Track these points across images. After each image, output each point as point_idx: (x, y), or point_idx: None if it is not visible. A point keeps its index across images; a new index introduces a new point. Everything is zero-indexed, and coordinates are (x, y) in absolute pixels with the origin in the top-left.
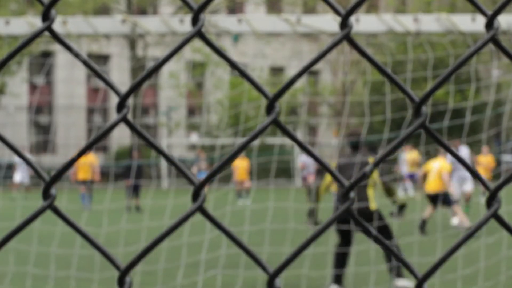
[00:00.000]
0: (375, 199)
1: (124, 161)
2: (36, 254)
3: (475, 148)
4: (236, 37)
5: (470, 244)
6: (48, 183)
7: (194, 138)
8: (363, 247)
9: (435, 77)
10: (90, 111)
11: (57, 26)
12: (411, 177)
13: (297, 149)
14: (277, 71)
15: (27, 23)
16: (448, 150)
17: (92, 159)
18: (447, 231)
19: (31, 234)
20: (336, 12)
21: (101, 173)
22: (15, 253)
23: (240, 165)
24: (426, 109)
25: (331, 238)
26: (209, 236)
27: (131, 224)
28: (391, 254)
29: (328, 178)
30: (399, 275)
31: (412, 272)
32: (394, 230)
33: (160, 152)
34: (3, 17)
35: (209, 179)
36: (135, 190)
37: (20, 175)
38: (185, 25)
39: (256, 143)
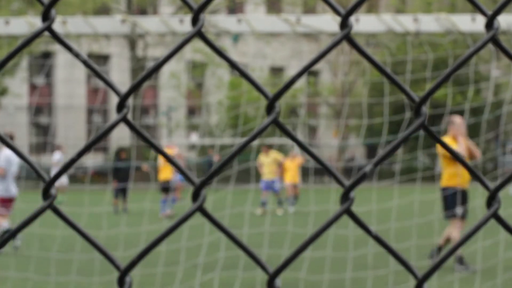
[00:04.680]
0: None
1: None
2: (37, 258)
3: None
4: (236, 38)
5: (469, 246)
6: (48, 183)
7: (194, 138)
8: (360, 252)
9: (435, 77)
10: (90, 111)
11: (56, 26)
12: (270, 186)
13: (297, 149)
14: (277, 71)
15: (26, 23)
16: (447, 149)
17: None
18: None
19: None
20: (336, 12)
21: (101, 173)
22: (16, 258)
23: (291, 166)
24: (426, 109)
25: (329, 241)
26: (208, 239)
27: (130, 226)
28: (391, 254)
29: None
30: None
31: (412, 272)
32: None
33: (160, 152)
34: (3, 17)
35: (209, 180)
36: (123, 192)
37: None
38: (184, 25)
39: (255, 143)
